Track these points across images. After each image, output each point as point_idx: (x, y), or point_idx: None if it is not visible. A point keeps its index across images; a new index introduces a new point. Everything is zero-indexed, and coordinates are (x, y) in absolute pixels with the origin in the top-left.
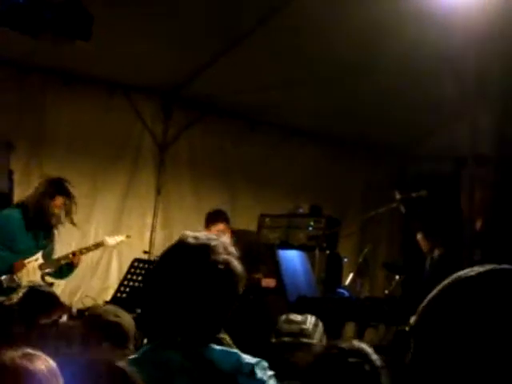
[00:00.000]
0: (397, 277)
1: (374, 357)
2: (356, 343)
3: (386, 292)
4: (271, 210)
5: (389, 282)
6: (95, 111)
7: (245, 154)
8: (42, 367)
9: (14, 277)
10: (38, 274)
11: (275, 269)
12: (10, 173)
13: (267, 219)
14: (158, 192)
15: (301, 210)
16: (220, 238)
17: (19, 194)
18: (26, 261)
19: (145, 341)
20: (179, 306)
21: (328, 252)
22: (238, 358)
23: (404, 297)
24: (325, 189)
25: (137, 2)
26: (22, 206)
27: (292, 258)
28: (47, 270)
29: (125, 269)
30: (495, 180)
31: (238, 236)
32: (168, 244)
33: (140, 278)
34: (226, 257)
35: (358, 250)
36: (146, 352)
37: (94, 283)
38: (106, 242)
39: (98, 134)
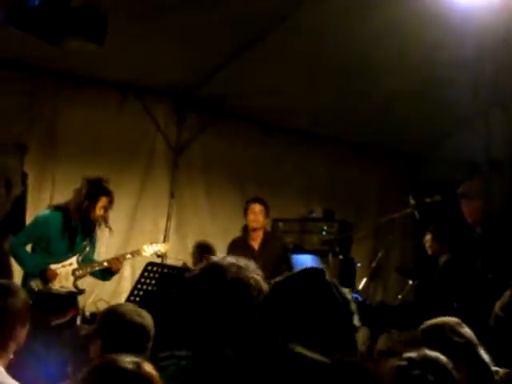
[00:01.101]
0: (410, 282)
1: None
2: (430, 353)
3: (399, 297)
4: (284, 214)
5: (402, 287)
6: (108, 114)
7: (258, 158)
8: (154, 372)
9: (47, 283)
10: (71, 279)
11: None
12: (24, 175)
13: (280, 223)
14: (172, 195)
15: (314, 215)
16: (244, 260)
17: (32, 196)
18: (60, 264)
19: None
20: (202, 321)
21: (341, 256)
22: None
23: (417, 302)
24: (338, 193)
25: (150, 5)
26: (63, 209)
27: (305, 263)
28: (80, 274)
29: (138, 272)
30: (509, 185)
31: (268, 238)
32: (182, 247)
33: (153, 282)
34: (248, 275)
35: (372, 255)
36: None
37: (107, 287)
38: (143, 251)
39: (110, 137)
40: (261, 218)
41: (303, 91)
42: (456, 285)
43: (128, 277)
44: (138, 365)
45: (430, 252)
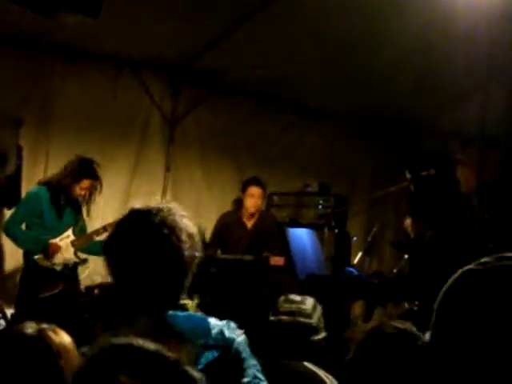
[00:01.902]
0: (405, 256)
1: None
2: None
3: (395, 271)
4: (280, 187)
5: (397, 261)
6: (103, 88)
7: (253, 131)
8: (60, 340)
9: (50, 258)
10: (71, 250)
11: (284, 247)
12: (19, 149)
13: (276, 197)
14: (167, 169)
15: (310, 189)
16: (169, 204)
17: (27, 169)
18: (58, 238)
19: None
20: (130, 274)
21: (337, 230)
22: (205, 323)
23: (411, 276)
24: (333, 167)
25: None
26: (47, 184)
27: (301, 237)
28: (78, 244)
29: None
30: (503, 161)
31: (264, 216)
32: None
33: None
34: (173, 218)
35: (367, 229)
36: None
37: (103, 260)
38: None
39: (106, 111)
40: (259, 202)
41: (300, 65)
42: (442, 260)
43: None
44: (40, 330)
45: (412, 235)
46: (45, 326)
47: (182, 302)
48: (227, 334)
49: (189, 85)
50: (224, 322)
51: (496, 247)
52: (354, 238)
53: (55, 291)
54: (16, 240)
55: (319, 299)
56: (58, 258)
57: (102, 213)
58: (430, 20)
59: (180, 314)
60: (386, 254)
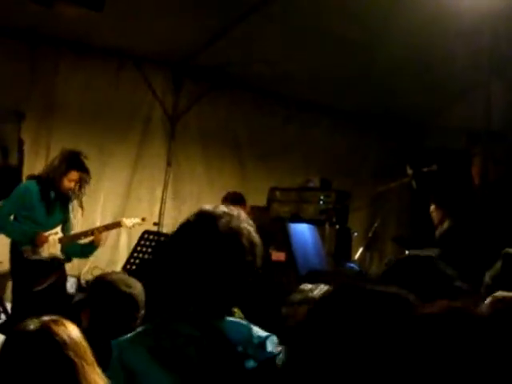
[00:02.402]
0: (406, 251)
1: None
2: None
3: None
4: (281, 182)
5: (398, 257)
6: (105, 82)
7: (255, 126)
8: (66, 332)
9: (37, 249)
10: (58, 247)
11: (285, 242)
12: (21, 142)
13: (277, 192)
14: (169, 163)
15: (311, 184)
16: (236, 210)
17: (28, 163)
18: (47, 233)
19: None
20: (189, 276)
21: (338, 226)
22: (249, 330)
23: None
24: (335, 162)
25: None
26: (37, 178)
27: (302, 232)
28: (66, 242)
29: (134, 241)
30: (508, 156)
31: (255, 213)
32: (178, 216)
33: (150, 250)
34: (238, 226)
35: (368, 225)
36: (157, 323)
37: (103, 255)
38: (123, 223)
39: (108, 105)
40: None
41: (302, 60)
42: (459, 252)
43: (124, 245)
44: (43, 325)
45: (435, 222)
46: (47, 318)
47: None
48: (269, 348)
49: (190, 80)
50: (267, 334)
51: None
52: (355, 234)
53: (49, 282)
54: (5, 230)
55: None
56: (45, 252)
57: (103, 207)
58: (433, 16)
59: (226, 318)
60: (387, 249)
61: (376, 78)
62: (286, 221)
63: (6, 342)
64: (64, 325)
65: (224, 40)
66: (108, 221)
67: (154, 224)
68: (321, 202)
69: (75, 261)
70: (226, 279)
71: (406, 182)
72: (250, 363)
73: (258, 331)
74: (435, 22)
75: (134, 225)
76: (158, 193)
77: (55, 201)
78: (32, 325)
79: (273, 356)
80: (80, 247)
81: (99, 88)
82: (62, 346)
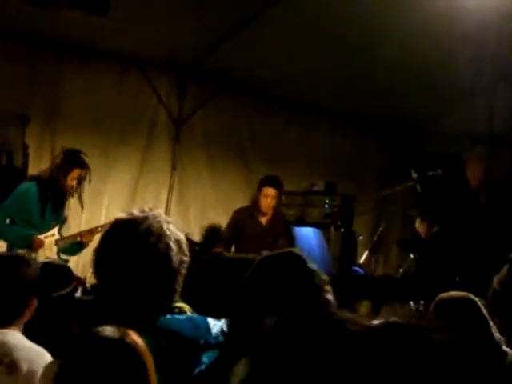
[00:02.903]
0: (411, 255)
1: None
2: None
3: (401, 270)
4: (286, 186)
5: (403, 260)
6: (110, 86)
7: (260, 130)
8: (140, 340)
9: (32, 253)
10: (54, 249)
11: (290, 246)
12: (25, 146)
13: (283, 196)
14: (174, 167)
15: (316, 188)
16: (153, 212)
17: (33, 167)
18: (43, 235)
19: None
20: (122, 284)
21: (343, 230)
22: (205, 323)
23: (418, 275)
24: (340, 166)
25: None
26: (37, 178)
27: (307, 236)
28: (63, 244)
29: None
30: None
31: (276, 214)
32: (183, 219)
33: None
34: (159, 226)
35: (373, 228)
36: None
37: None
38: None
39: (112, 109)
40: (273, 202)
41: (305, 64)
42: (447, 256)
43: None
44: (122, 333)
45: (423, 236)
46: (119, 328)
47: (179, 305)
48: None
49: (195, 84)
50: (222, 320)
51: (497, 244)
52: (360, 237)
53: (68, 289)
54: (1, 235)
55: None
56: (40, 255)
57: (107, 210)
58: (435, 19)
59: (178, 316)
60: (392, 253)
61: (378, 81)
62: (291, 224)
63: (79, 344)
64: (133, 336)
65: (228, 44)
66: None
67: (150, 209)
68: (326, 206)
69: (80, 265)
70: (154, 280)
71: (410, 186)
72: (215, 352)
73: (213, 321)
74: (439, 26)
75: None
76: (163, 196)
77: (52, 201)
78: (113, 333)
79: None
80: (70, 246)
81: (103, 92)
82: (139, 357)
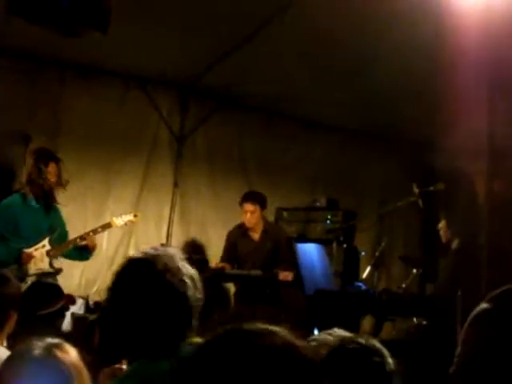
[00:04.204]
0: (414, 270)
1: (390, 360)
2: (373, 342)
3: (403, 286)
4: (287, 202)
5: (405, 276)
6: (112, 104)
7: (261, 146)
8: (69, 359)
9: (24, 268)
10: (46, 260)
11: (293, 262)
12: None
13: (284, 212)
14: (176, 184)
15: (318, 204)
16: (166, 249)
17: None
18: (33, 248)
19: None
20: (137, 321)
21: (345, 245)
22: None
23: (422, 291)
24: (342, 182)
25: None
26: (18, 189)
27: (309, 252)
28: (54, 254)
29: None
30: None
31: (268, 228)
32: (185, 236)
33: None
34: (174, 265)
35: (375, 244)
36: (137, 368)
37: (111, 276)
38: (113, 223)
39: (114, 127)
40: (254, 217)
41: (306, 80)
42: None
43: None
44: (48, 349)
45: (444, 240)
46: (51, 342)
47: (194, 340)
48: None
49: (197, 101)
50: None
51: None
52: (363, 253)
53: (55, 308)
54: None
55: (328, 314)
56: (32, 269)
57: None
58: (434, 34)
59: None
60: (394, 268)
61: (379, 97)
62: (293, 240)
63: (8, 364)
64: (67, 350)
65: (229, 61)
66: (115, 241)
67: (162, 245)
68: (328, 222)
69: (83, 282)
70: (175, 317)
71: (412, 201)
72: None
73: None
74: (436, 39)
75: (127, 223)
76: (166, 213)
77: (37, 208)
78: (37, 350)
79: None
80: (78, 252)
81: (105, 110)
82: (66, 375)
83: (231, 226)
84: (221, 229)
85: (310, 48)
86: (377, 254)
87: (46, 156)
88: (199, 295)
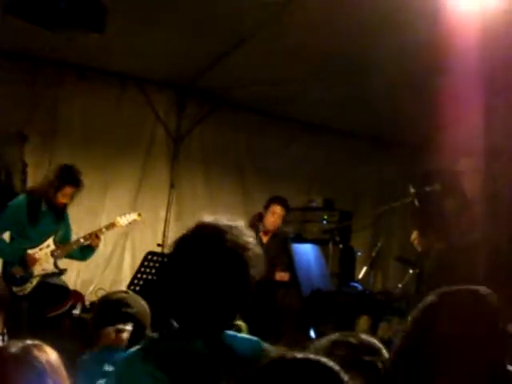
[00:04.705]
0: (410, 270)
1: (385, 352)
2: (366, 337)
3: (400, 286)
4: None
5: (402, 276)
6: (108, 104)
7: (258, 147)
8: (46, 358)
9: (28, 269)
10: (51, 260)
11: (289, 262)
12: (24, 165)
13: None
14: (172, 185)
15: (314, 204)
16: (237, 222)
17: (31, 185)
18: (38, 248)
19: None
20: (193, 292)
21: (341, 246)
22: (259, 345)
23: (417, 291)
24: (338, 182)
25: None
26: (29, 191)
27: (306, 252)
28: (58, 254)
29: (138, 262)
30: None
31: (279, 233)
32: None
33: (153, 271)
34: (239, 240)
35: (372, 244)
36: (165, 341)
37: (107, 276)
38: (117, 223)
39: (111, 127)
40: (280, 221)
41: (303, 81)
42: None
43: (128, 266)
44: (24, 348)
45: (419, 249)
46: (29, 342)
47: (237, 322)
48: None
49: (193, 101)
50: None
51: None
52: (359, 253)
53: (64, 309)
54: None
55: (324, 315)
56: (37, 270)
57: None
58: (430, 37)
59: (238, 335)
60: (390, 268)
61: (376, 99)
62: (289, 241)
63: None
64: (45, 350)
65: (226, 62)
66: (111, 241)
67: (158, 245)
68: (324, 222)
69: (79, 283)
70: (232, 294)
71: (408, 202)
72: None
73: (268, 345)
74: (432, 43)
75: (131, 222)
76: (162, 214)
77: (47, 213)
78: (14, 348)
79: None
80: (81, 251)
81: (102, 110)
82: (42, 373)
83: None
84: None
85: (305, 50)
86: (373, 254)
87: (67, 178)
88: (255, 276)
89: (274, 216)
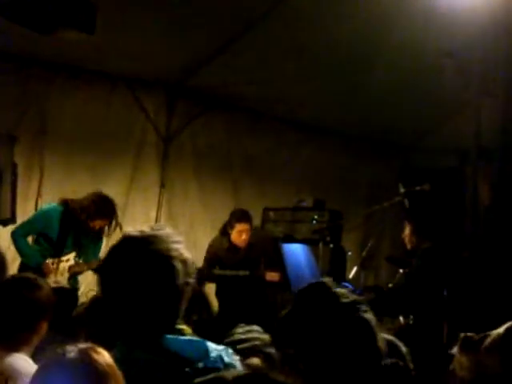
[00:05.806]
0: (400, 270)
1: (404, 349)
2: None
3: (390, 285)
4: (274, 203)
5: (392, 276)
6: (98, 104)
7: (248, 147)
8: (104, 360)
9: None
10: (66, 275)
11: (279, 262)
12: (14, 166)
13: (271, 213)
14: (162, 185)
15: (304, 204)
16: (164, 229)
17: (22, 187)
18: (57, 259)
19: None
20: (123, 302)
21: (332, 245)
22: (205, 346)
23: (407, 290)
24: (328, 182)
25: None
26: (65, 204)
27: (296, 252)
28: (75, 271)
29: None
30: (499, 173)
31: (255, 242)
32: None
33: None
34: (167, 246)
35: (362, 244)
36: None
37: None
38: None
39: (101, 128)
40: (247, 237)
41: (294, 81)
42: (437, 271)
43: None
44: (81, 351)
45: (408, 246)
46: (84, 346)
47: (180, 327)
48: (226, 359)
49: (183, 101)
50: (222, 347)
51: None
52: (349, 253)
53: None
54: (18, 250)
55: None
56: (50, 281)
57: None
58: (422, 36)
59: (180, 338)
60: (381, 268)
61: (366, 98)
62: (279, 241)
63: (44, 371)
64: (102, 352)
65: (216, 62)
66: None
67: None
68: (314, 222)
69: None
70: (162, 300)
71: (398, 201)
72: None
73: (213, 345)
74: (425, 42)
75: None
76: (153, 214)
77: (77, 231)
78: (72, 353)
79: (233, 366)
80: None
81: (92, 111)
82: (103, 375)
83: (219, 226)
84: (209, 229)
85: (297, 49)
86: (363, 254)
87: (99, 210)
88: (189, 280)
89: (242, 235)
